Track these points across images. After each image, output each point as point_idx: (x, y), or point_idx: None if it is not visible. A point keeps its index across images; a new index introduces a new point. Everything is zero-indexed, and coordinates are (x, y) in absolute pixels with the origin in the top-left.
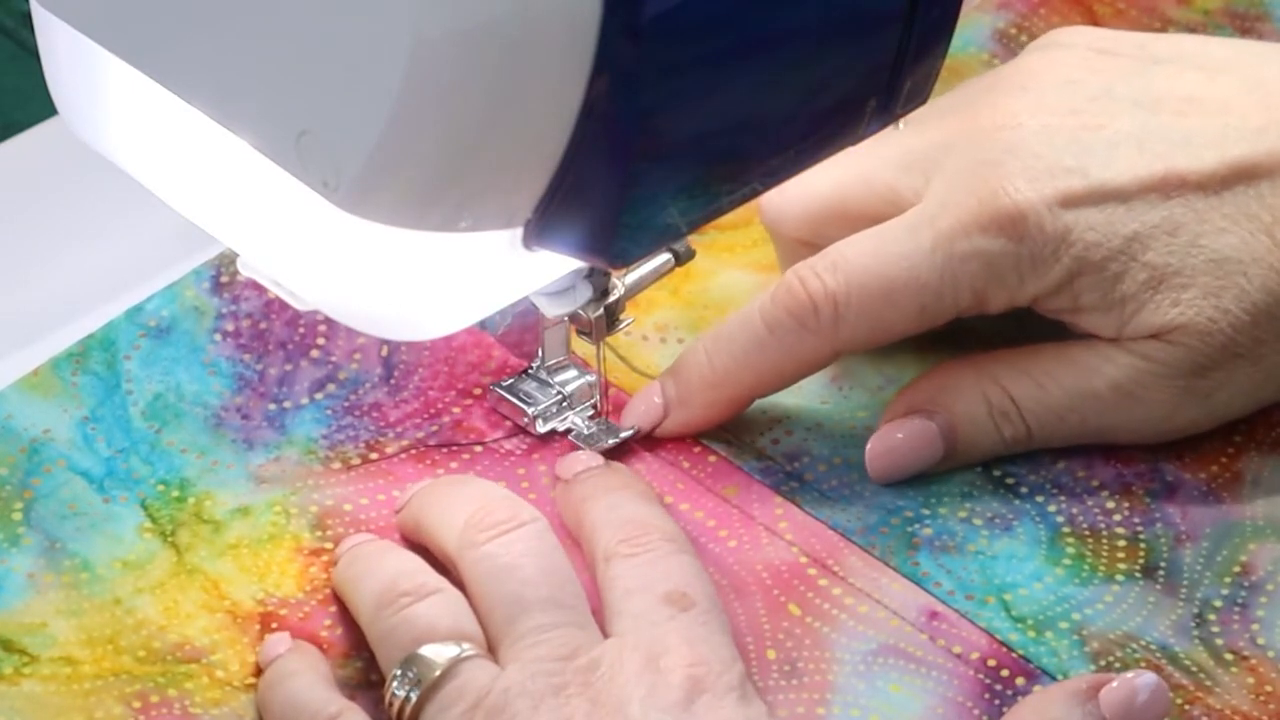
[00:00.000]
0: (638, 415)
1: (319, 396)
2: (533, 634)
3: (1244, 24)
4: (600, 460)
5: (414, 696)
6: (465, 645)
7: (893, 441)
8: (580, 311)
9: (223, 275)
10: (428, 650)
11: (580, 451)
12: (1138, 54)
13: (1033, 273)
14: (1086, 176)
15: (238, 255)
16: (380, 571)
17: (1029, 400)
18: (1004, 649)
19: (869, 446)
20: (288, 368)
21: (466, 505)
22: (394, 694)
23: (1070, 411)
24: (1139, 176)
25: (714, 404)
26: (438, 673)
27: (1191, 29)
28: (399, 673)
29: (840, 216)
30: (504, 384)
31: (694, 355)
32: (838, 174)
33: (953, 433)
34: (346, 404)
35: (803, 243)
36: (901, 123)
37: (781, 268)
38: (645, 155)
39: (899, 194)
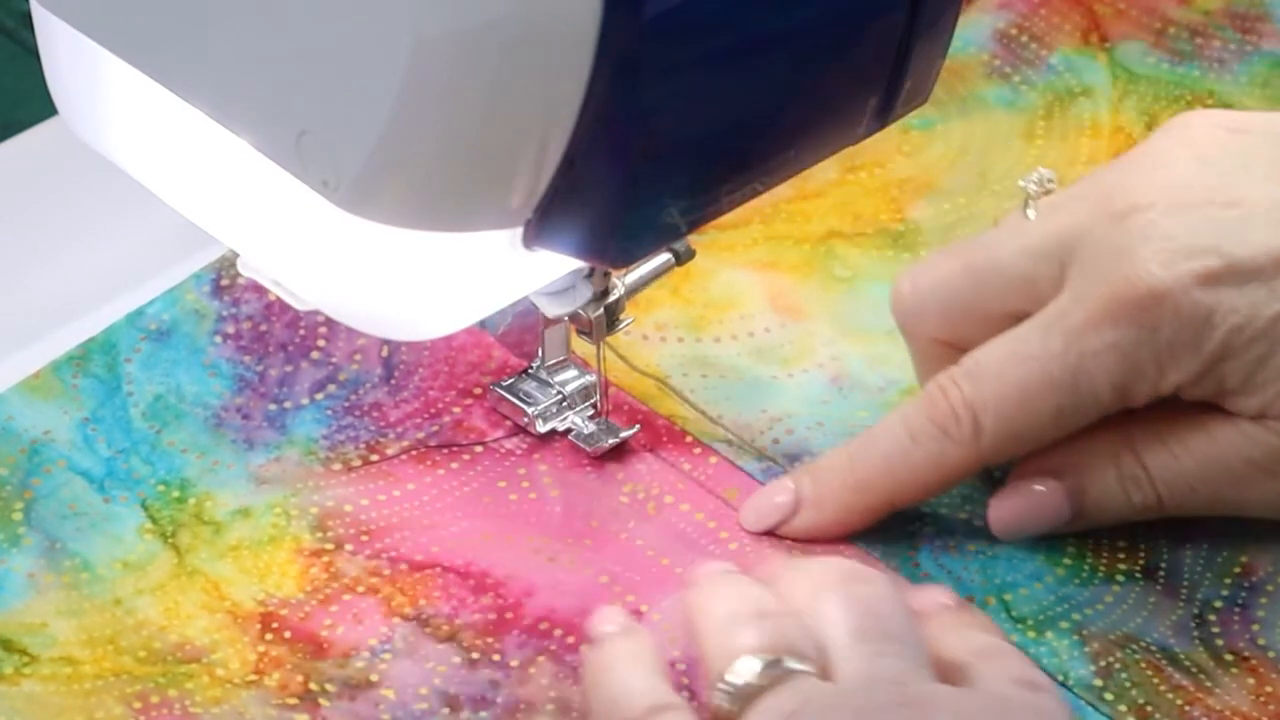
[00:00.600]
0: (764, 511)
1: (319, 397)
2: (869, 656)
3: (1244, 24)
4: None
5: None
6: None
7: (1018, 501)
8: (580, 311)
9: (223, 278)
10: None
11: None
12: (1268, 129)
13: (1172, 360)
14: (1223, 256)
15: (238, 256)
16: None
17: (1161, 469)
18: None
19: (992, 503)
20: (288, 369)
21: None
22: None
23: (1203, 484)
24: (1276, 255)
25: (851, 509)
26: (776, 672)
27: (1192, 29)
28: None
29: (980, 315)
30: (504, 384)
31: (836, 458)
32: (971, 270)
33: (1081, 495)
34: (347, 404)
35: (938, 341)
36: (1031, 210)
37: (915, 364)
38: (645, 155)
39: (1036, 286)
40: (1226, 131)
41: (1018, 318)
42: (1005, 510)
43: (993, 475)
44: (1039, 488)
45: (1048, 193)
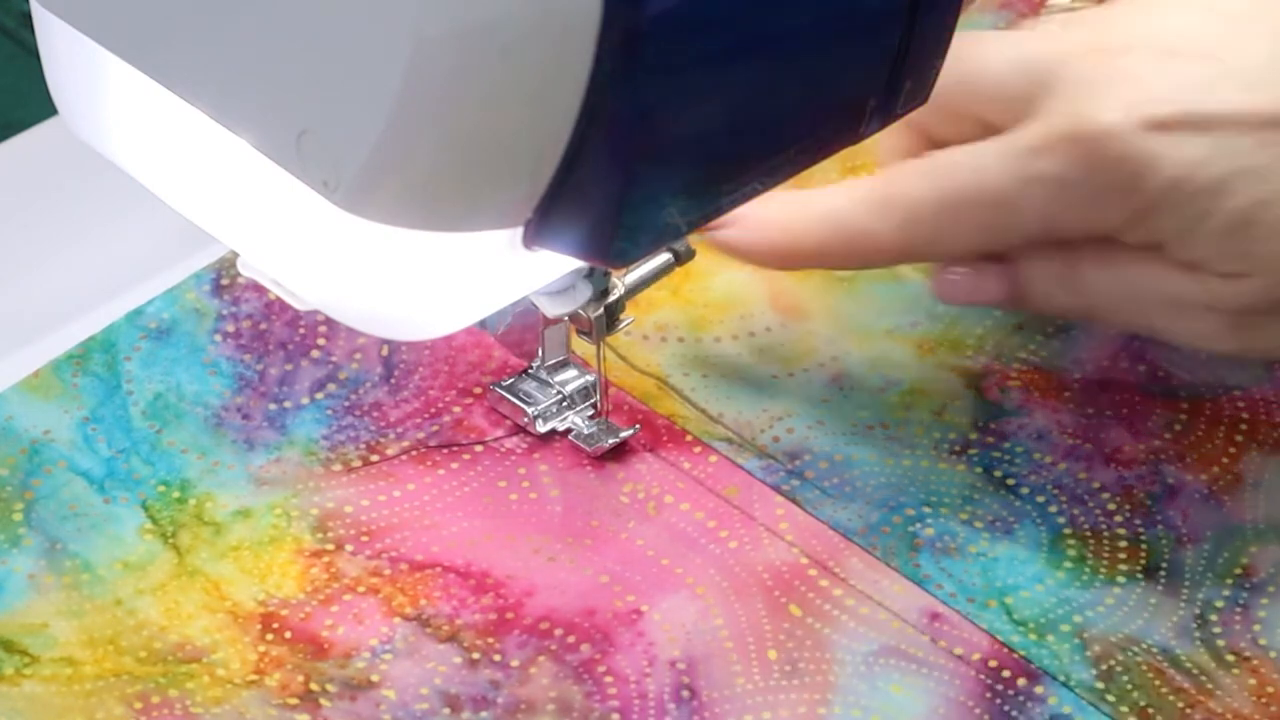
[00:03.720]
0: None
1: (319, 396)
2: None
3: None
4: None
5: None
6: None
7: (964, 273)
8: (580, 311)
9: (223, 278)
10: None
11: None
12: None
13: (1106, 202)
14: (1180, 106)
15: (238, 256)
16: None
17: (1094, 280)
18: (1005, 650)
19: (939, 273)
20: (288, 367)
21: None
22: None
23: (1126, 304)
24: (1236, 113)
25: (772, 246)
26: None
27: None
28: None
29: (951, 111)
30: (504, 384)
31: (777, 197)
32: (960, 65)
33: (1017, 282)
34: (347, 404)
35: (913, 129)
36: (1043, 19)
37: (881, 144)
38: (645, 155)
39: (1011, 103)
40: None
41: (983, 126)
42: (949, 280)
43: (993, 475)
44: (976, 267)
45: (1073, 8)
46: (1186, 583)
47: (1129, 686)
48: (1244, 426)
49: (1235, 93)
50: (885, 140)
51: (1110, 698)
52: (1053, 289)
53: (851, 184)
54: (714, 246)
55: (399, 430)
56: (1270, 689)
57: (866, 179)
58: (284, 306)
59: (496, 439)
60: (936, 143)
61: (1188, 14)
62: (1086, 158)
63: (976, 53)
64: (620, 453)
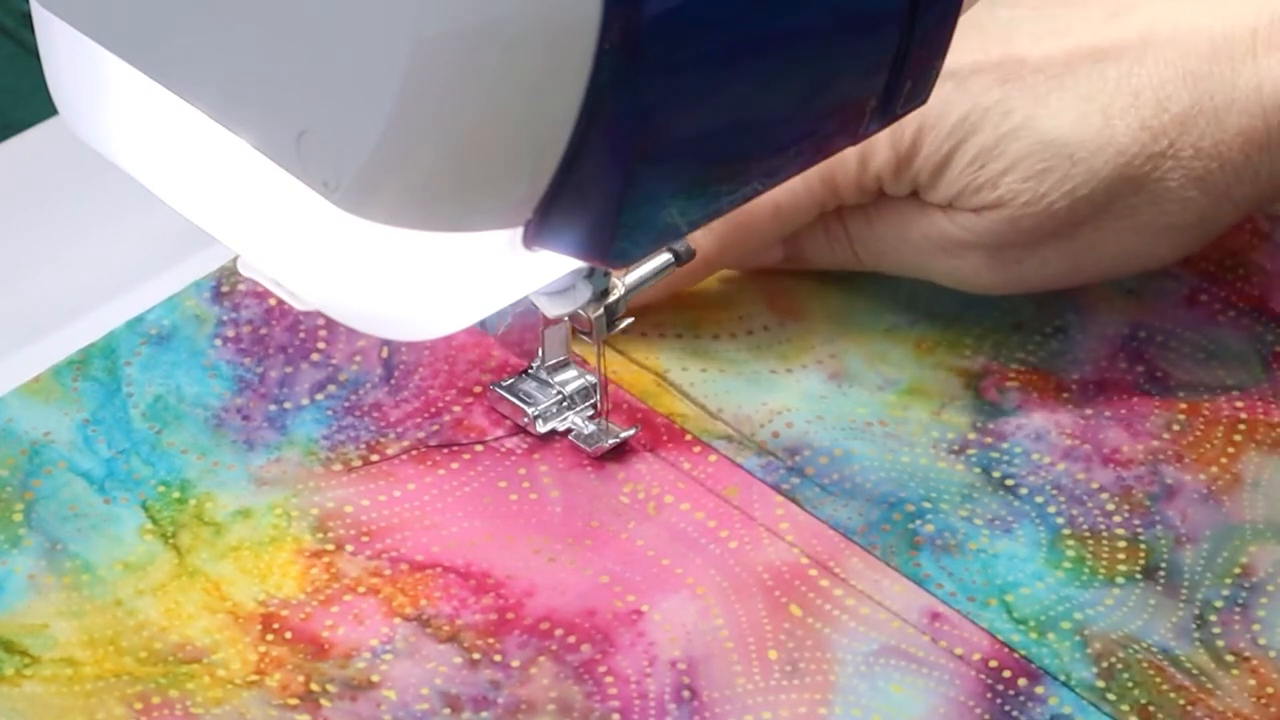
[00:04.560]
0: None
1: (319, 397)
2: None
3: None
4: None
5: None
6: None
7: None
8: (580, 311)
9: (223, 285)
10: None
11: None
12: None
13: (872, 153)
14: None
15: (238, 258)
16: None
17: (857, 232)
18: (1006, 649)
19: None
20: (288, 370)
21: None
22: None
23: (893, 251)
24: (976, 60)
25: None
26: None
27: None
28: None
29: None
30: (504, 384)
31: None
32: None
33: (794, 241)
34: (347, 404)
35: None
36: None
37: None
38: (645, 155)
39: None
40: None
41: None
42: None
43: (992, 475)
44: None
45: None
46: (1185, 583)
47: (1129, 684)
48: (1242, 426)
49: (970, 42)
50: None
51: (1111, 696)
52: (823, 246)
53: None
54: None
55: (399, 430)
56: (1270, 689)
57: None
58: (284, 312)
59: (496, 439)
60: None
61: None
62: None
63: None
64: (620, 453)
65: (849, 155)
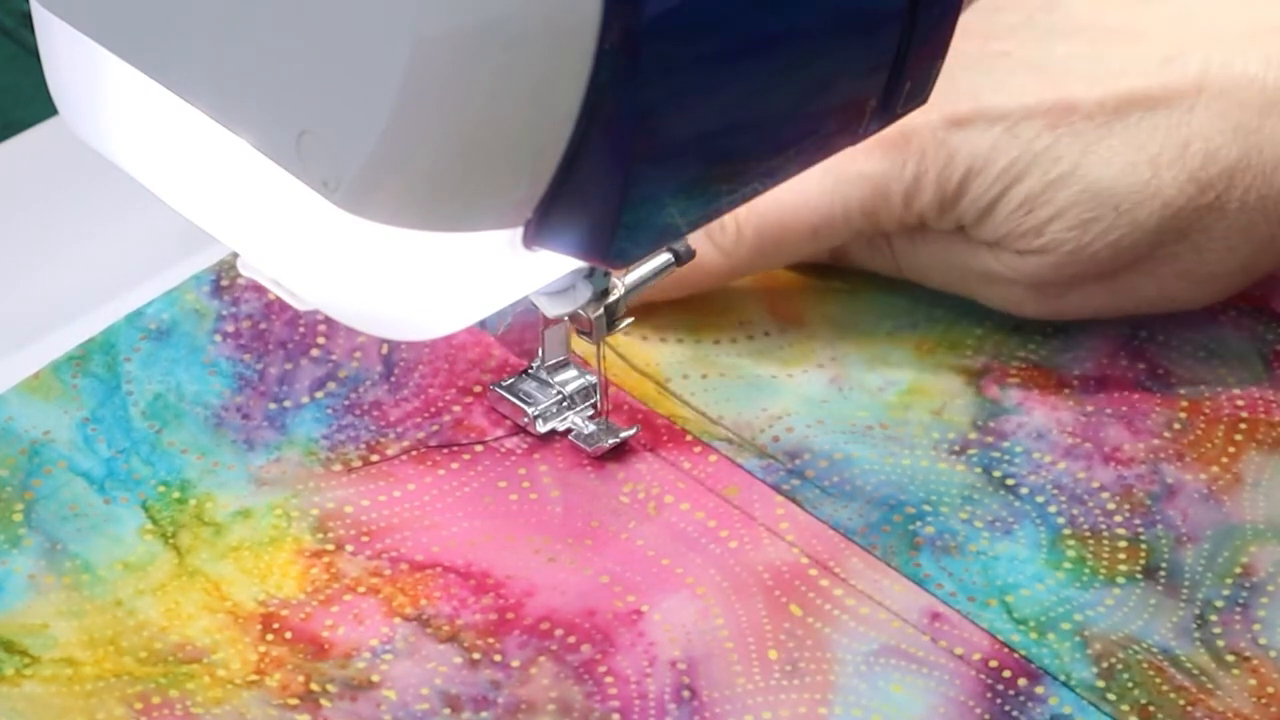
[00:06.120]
0: None
1: (319, 395)
2: None
3: None
4: None
5: None
6: None
7: None
8: (580, 311)
9: (223, 279)
10: None
11: None
12: None
13: (917, 193)
14: (976, 101)
15: (237, 257)
16: None
17: (901, 251)
18: (1006, 650)
19: None
20: (288, 366)
21: None
22: None
23: (935, 273)
24: (1027, 103)
25: None
26: None
27: None
28: None
29: None
30: (504, 384)
31: None
32: None
33: (842, 252)
34: (347, 402)
35: None
36: None
37: None
38: (645, 155)
39: None
40: None
41: None
42: None
43: (993, 474)
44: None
45: None
46: (1186, 583)
47: (1130, 684)
48: (1243, 426)
49: (1022, 84)
50: None
51: (1111, 696)
52: (866, 254)
53: None
54: None
55: (399, 430)
56: (1270, 689)
57: None
58: (284, 306)
59: (496, 439)
60: None
61: (972, 15)
62: (894, 155)
63: None
64: (620, 453)
65: (893, 192)
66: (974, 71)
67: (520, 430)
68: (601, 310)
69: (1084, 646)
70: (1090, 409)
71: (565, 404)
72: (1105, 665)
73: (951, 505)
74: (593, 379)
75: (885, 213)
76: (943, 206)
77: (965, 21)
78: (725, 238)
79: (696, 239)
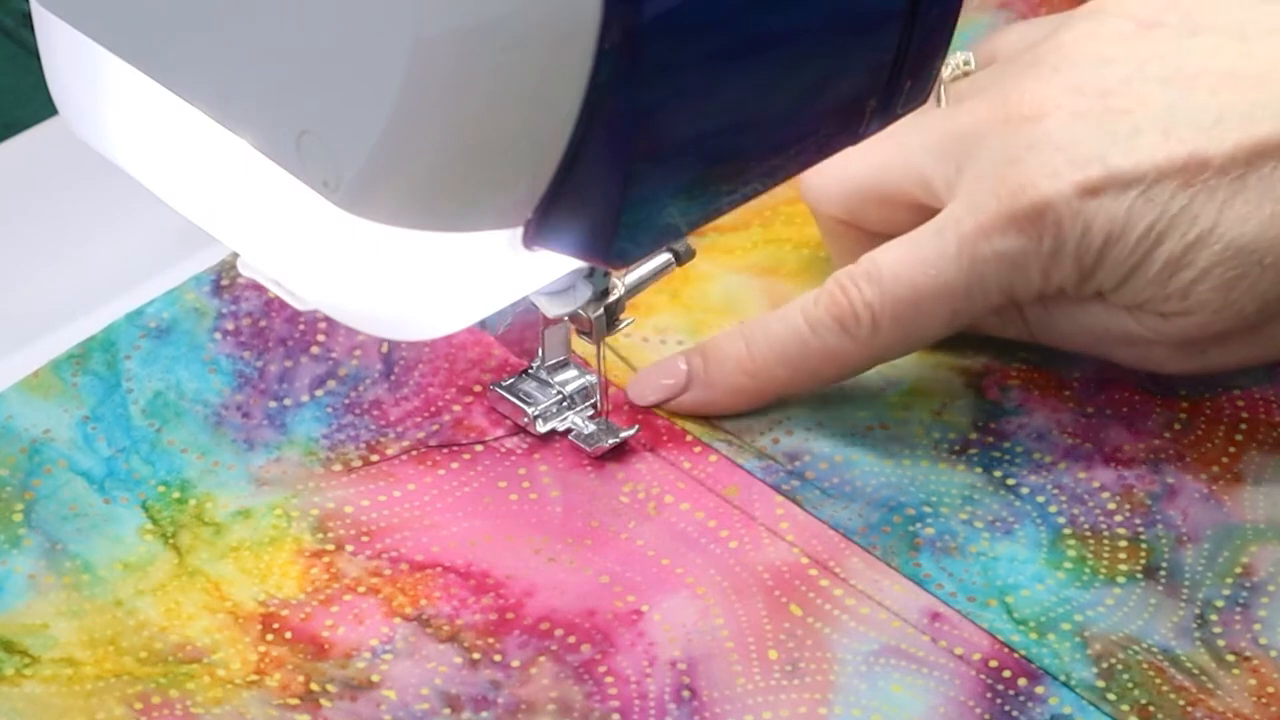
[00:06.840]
0: (652, 387)
1: (319, 394)
2: None
3: None
4: None
5: None
6: None
7: None
8: (580, 311)
9: (223, 279)
10: None
11: None
12: (1180, 24)
13: (1056, 267)
14: (1106, 165)
15: (238, 257)
16: None
17: (1035, 318)
18: (1006, 650)
19: None
20: (288, 364)
21: None
22: None
23: (1068, 339)
24: (1158, 164)
25: (741, 391)
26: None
27: None
28: None
29: (878, 200)
30: (504, 384)
31: (731, 340)
32: (877, 156)
33: (972, 322)
34: (347, 401)
35: (841, 221)
36: (943, 98)
37: (825, 243)
38: (645, 155)
39: (931, 182)
40: (1136, 25)
41: (914, 207)
42: None
43: (994, 475)
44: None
45: (966, 74)
46: (1186, 582)
47: (1130, 684)
48: (1244, 426)
49: (1151, 144)
50: (832, 246)
51: (1111, 696)
52: (995, 322)
53: (800, 307)
54: (683, 412)
55: (399, 430)
56: (1270, 689)
57: (813, 295)
58: (284, 304)
59: (496, 439)
60: (874, 234)
61: (1084, 71)
62: (1030, 231)
63: (891, 145)
64: (620, 453)
65: (1030, 268)
66: (1097, 134)
67: (520, 430)
68: (601, 310)
69: (1084, 646)
70: (1090, 410)
71: (565, 404)
72: (1105, 665)
73: (952, 506)
74: (593, 379)
75: (1023, 288)
76: (1082, 276)
77: (1073, 79)
78: (861, 329)
79: (833, 332)
